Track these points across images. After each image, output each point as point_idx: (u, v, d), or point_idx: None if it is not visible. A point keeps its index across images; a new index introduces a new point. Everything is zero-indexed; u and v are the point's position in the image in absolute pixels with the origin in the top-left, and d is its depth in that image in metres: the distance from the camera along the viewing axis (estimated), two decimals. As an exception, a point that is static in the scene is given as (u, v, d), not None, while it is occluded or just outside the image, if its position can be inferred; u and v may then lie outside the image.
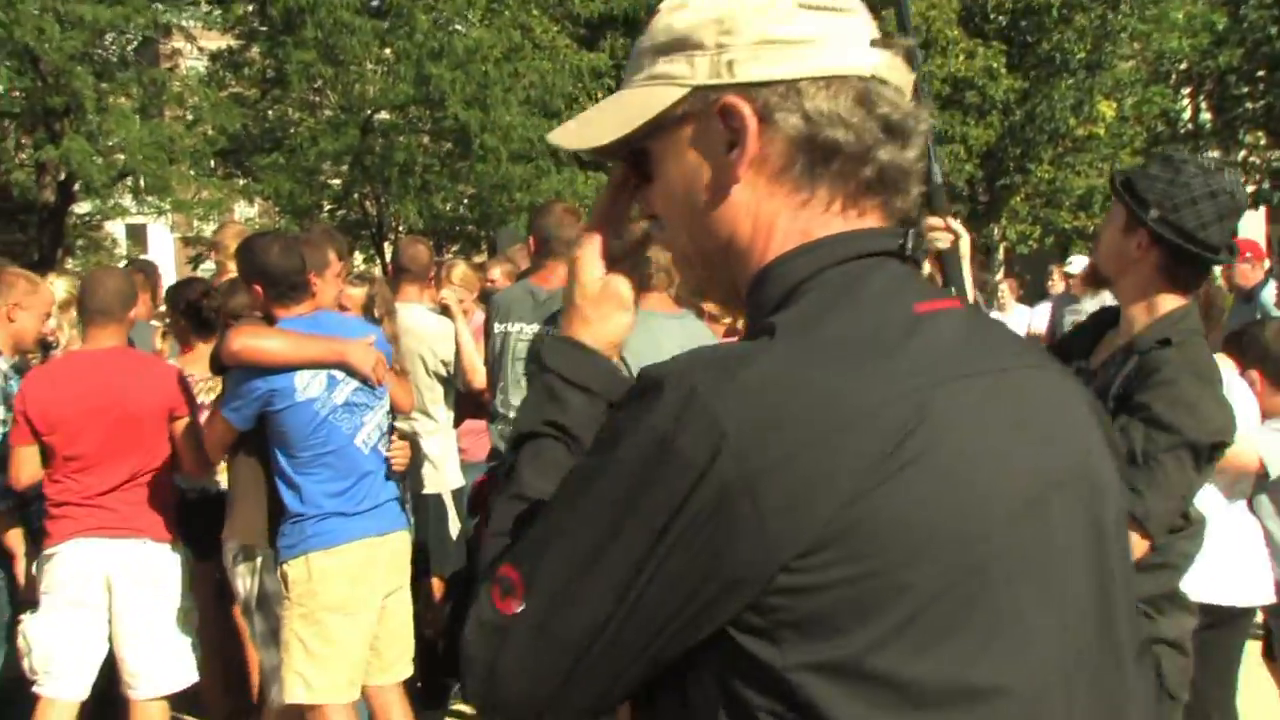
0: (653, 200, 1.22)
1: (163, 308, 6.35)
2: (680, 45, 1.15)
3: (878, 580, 0.96)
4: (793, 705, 0.97)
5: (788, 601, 0.96)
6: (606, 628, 1.01)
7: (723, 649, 0.99)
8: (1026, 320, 11.43)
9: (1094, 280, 2.80)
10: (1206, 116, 26.08)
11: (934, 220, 2.72)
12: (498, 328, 4.61)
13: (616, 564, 1.00)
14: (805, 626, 0.96)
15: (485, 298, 6.36)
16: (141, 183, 17.84)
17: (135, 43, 19.38)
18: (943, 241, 2.70)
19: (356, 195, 22.26)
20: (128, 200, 19.86)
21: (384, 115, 20.07)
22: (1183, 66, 25.47)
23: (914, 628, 0.97)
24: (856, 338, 1.03)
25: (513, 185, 18.83)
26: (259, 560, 4.09)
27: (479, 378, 5.33)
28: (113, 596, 4.22)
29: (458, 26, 19.05)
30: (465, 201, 21.11)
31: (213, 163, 19.88)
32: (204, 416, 4.21)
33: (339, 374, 3.89)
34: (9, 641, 4.37)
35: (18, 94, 16.71)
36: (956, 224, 2.74)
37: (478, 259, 23.35)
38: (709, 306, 4.80)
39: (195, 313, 5.04)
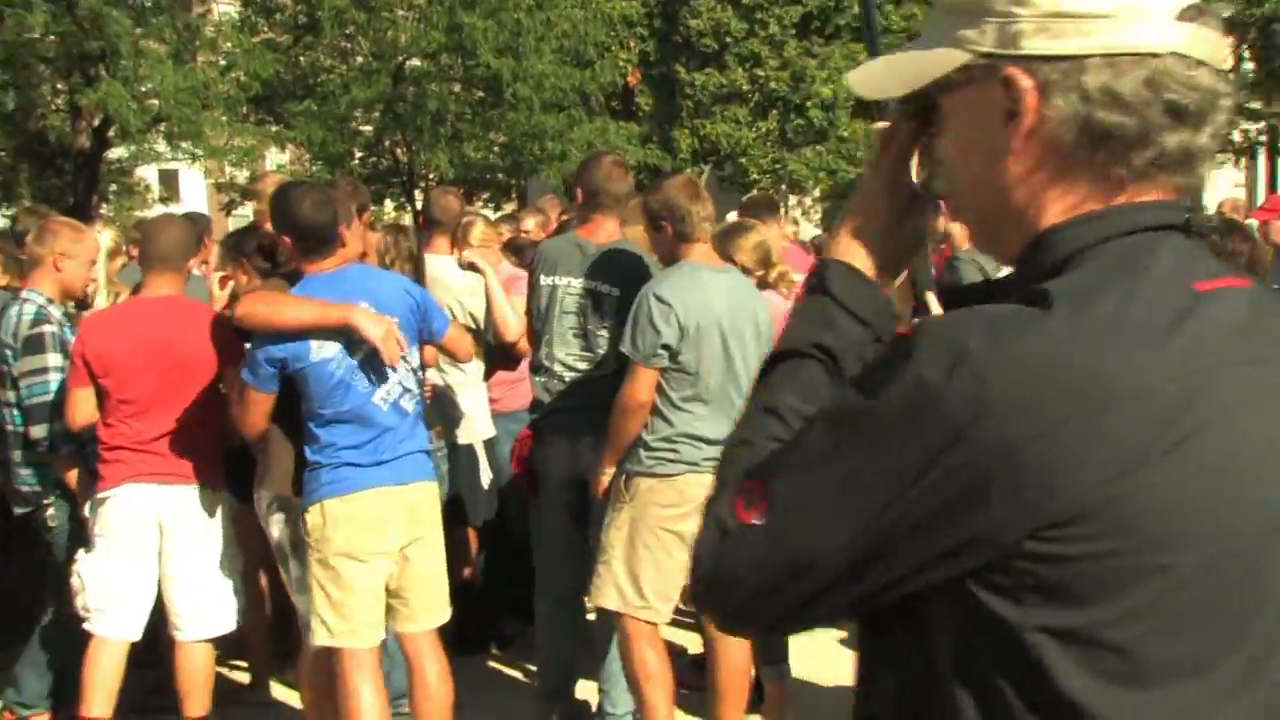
0: (941, 151, 1.24)
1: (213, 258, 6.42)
2: (972, 9, 1.14)
3: (1131, 559, 0.99)
4: (1025, 665, 1.01)
5: (1034, 567, 1.00)
6: (837, 555, 1.06)
7: (964, 601, 1.03)
8: None
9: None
10: (1249, 66, 25.69)
11: (881, 124, 2.73)
12: (544, 280, 4.58)
13: (862, 499, 1.04)
14: (1050, 592, 1.00)
15: (517, 248, 6.45)
16: (175, 128, 17.92)
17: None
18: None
19: (387, 143, 22.38)
20: (161, 146, 19.99)
21: (416, 63, 20.09)
22: (1225, 15, 25.07)
23: (1163, 608, 1.00)
24: (1133, 316, 1.03)
25: (544, 134, 18.87)
26: (291, 509, 4.17)
27: (510, 330, 5.33)
28: (163, 540, 4.34)
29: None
30: (496, 150, 21.17)
31: (245, 109, 19.97)
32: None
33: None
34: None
35: (53, 39, 16.82)
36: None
37: (508, 207, 23.47)
38: (741, 258, 4.84)
39: (270, 257, 5.04)
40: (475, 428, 5.73)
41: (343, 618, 3.90)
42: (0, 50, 16.43)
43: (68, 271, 4.70)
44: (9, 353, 4.56)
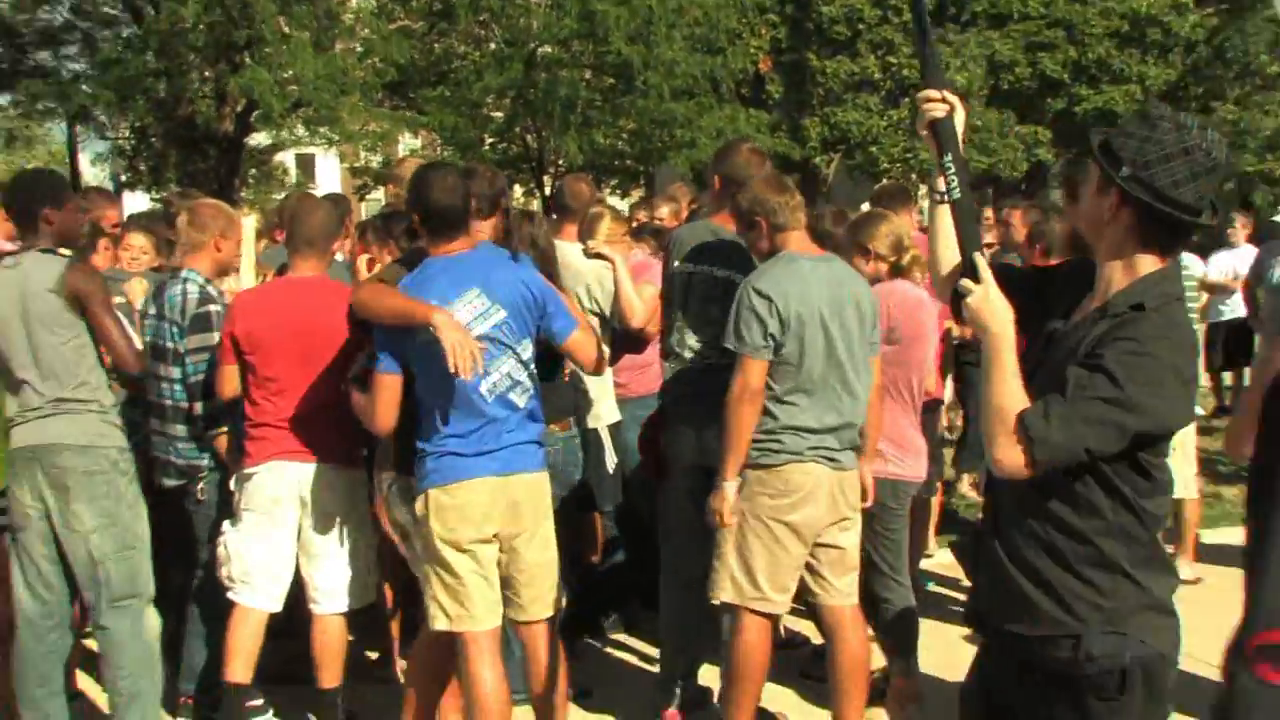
0: None
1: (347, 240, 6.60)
2: None
3: None
4: None
5: None
6: None
7: None
8: (1234, 265, 11.00)
9: (1073, 245, 2.73)
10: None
11: (929, 91, 2.69)
12: (678, 266, 4.60)
13: None
14: None
15: (655, 233, 6.48)
16: (314, 113, 18.43)
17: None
18: (938, 110, 2.67)
19: (518, 129, 22.63)
20: (300, 130, 20.57)
21: (547, 50, 20.30)
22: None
23: None
24: None
25: (674, 121, 18.92)
26: (411, 491, 4.25)
27: (636, 316, 5.35)
28: (303, 516, 4.49)
29: (623, -39, 19.13)
30: (625, 137, 21.29)
31: (381, 95, 20.42)
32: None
33: (463, 318, 3.85)
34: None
35: (203, 28, 17.42)
36: (953, 96, 2.69)
37: (635, 194, 23.59)
38: (876, 246, 4.81)
39: (415, 239, 5.17)
40: (601, 412, 5.77)
41: (457, 602, 3.94)
42: (154, 40, 17.09)
43: (225, 253, 4.92)
44: (174, 329, 4.76)
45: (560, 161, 22.68)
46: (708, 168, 5.79)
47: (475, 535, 3.89)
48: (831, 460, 4.21)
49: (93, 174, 29.27)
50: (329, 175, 40.98)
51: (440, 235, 3.98)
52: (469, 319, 3.88)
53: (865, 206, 6.24)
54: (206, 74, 19.69)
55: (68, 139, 23.83)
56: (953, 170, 2.60)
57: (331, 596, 4.54)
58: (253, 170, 25.17)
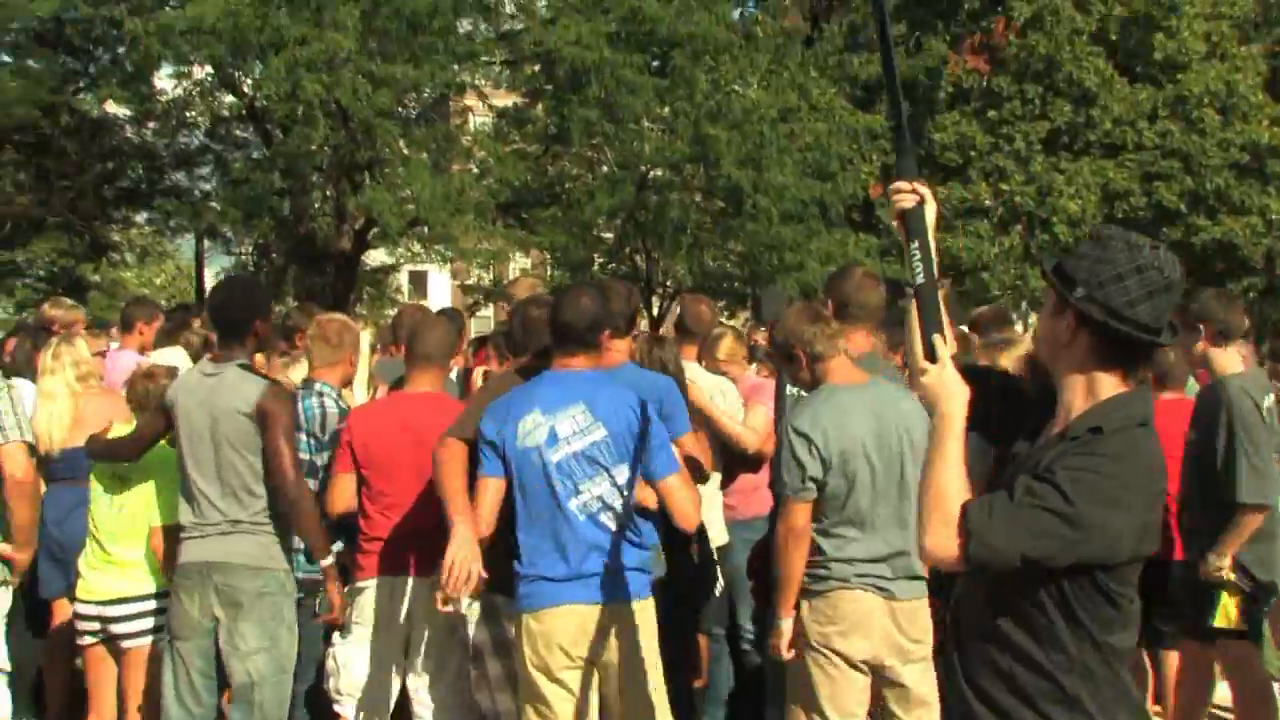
0: None
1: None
2: None
3: None
4: None
5: None
6: None
7: None
8: None
9: (1033, 370, 2.69)
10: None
11: (900, 183, 2.74)
12: (790, 389, 4.66)
13: None
14: None
15: (770, 355, 6.50)
16: (431, 231, 18.93)
17: (430, 100, 20.79)
18: (908, 201, 2.71)
19: (627, 250, 22.97)
20: (416, 248, 21.13)
21: (659, 173, 20.66)
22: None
23: None
24: None
25: (783, 245, 19.04)
26: (494, 610, 4.24)
27: (747, 444, 5.39)
28: (411, 631, 4.52)
29: (736, 88, 19.48)
30: (733, 259, 21.47)
31: (494, 215, 20.89)
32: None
33: (562, 431, 3.91)
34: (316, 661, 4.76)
35: (327, 149, 18.10)
36: (923, 188, 2.74)
37: (741, 315, 23.70)
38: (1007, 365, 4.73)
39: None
40: (709, 534, 5.73)
41: None
42: (281, 160, 17.80)
43: (354, 367, 5.11)
44: (311, 442, 4.88)
45: (668, 282, 22.91)
46: (820, 292, 5.83)
47: (564, 663, 3.86)
48: (882, 590, 4.11)
49: (216, 288, 30.50)
50: (440, 292, 41.93)
51: (563, 349, 4.05)
52: (568, 433, 3.91)
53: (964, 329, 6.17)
54: (328, 193, 20.42)
55: (196, 254, 24.77)
56: (917, 257, 2.65)
57: (436, 712, 4.51)
58: (367, 287, 25.84)
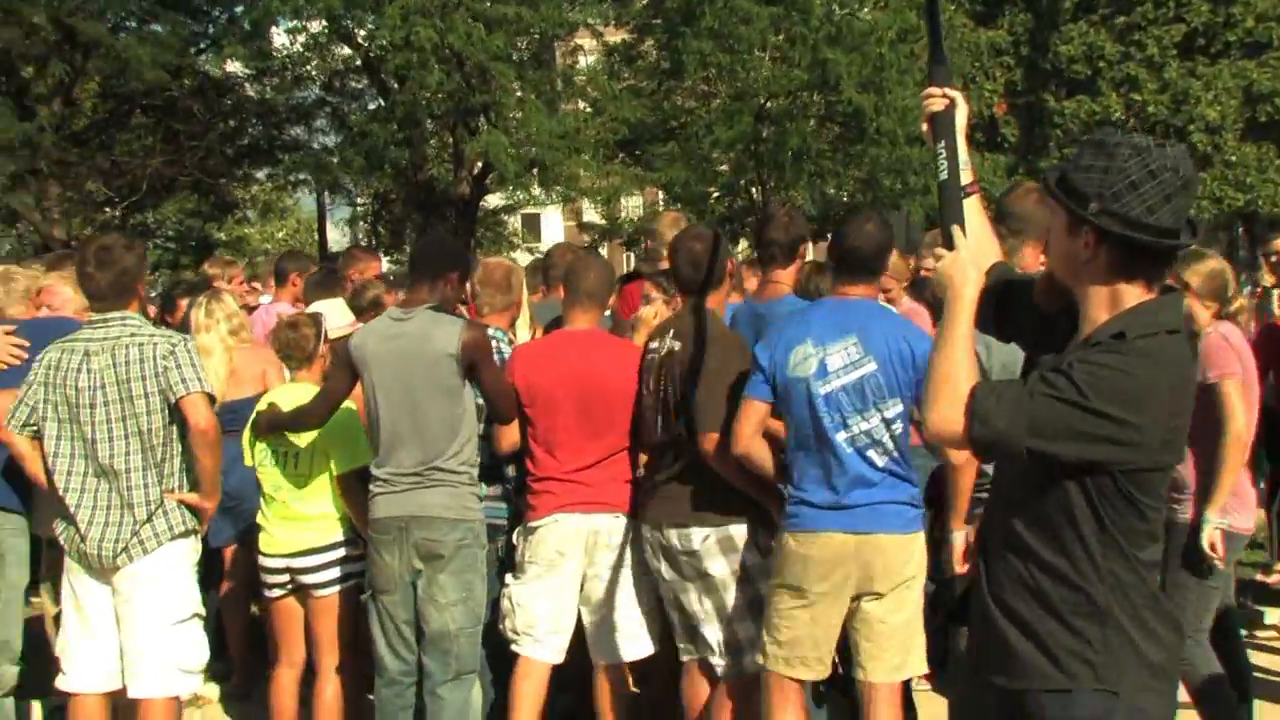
0: None
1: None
2: None
3: None
4: None
5: None
6: None
7: None
8: None
9: (1053, 292, 2.57)
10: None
11: (931, 89, 2.88)
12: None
13: None
14: None
15: (919, 283, 6.35)
16: (549, 173, 18.95)
17: (542, 40, 20.73)
18: (937, 105, 2.86)
19: (743, 182, 22.75)
20: (535, 190, 21.21)
21: (776, 102, 20.35)
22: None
23: None
24: None
25: (908, 168, 18.66)
26: (732, 545, 4.25)
27: None
28: (587, 567, 4.54)
29: (853, 10, 19.06)
30: (854, 186, 21.14)
31: (610, 152, 20.81)
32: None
33: (833, 364, 3.93)
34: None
35: (441, 95, 18.17)
36: (954, 92, 2.88)
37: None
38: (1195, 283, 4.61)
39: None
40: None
41: (779, 644, 3.98)
42: (400, 110, 17.92)
43: (519, 309, 5.24)
44: None
45: (787, 213, 22.66)
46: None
47: (821, 589, 3.91)
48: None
49: (336, 239, 30.98)
50: (553, 233, 42.12)
51: (844, 277, 4.09)
52: (838, 366, 3.94)
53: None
54: (445, 140, 20.54)
55: (318, 206, 25.20)
56: (943, 156, 2.80)
57: (613, 648, 4.54)
58: (484, 230, 26.06)
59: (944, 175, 2.80)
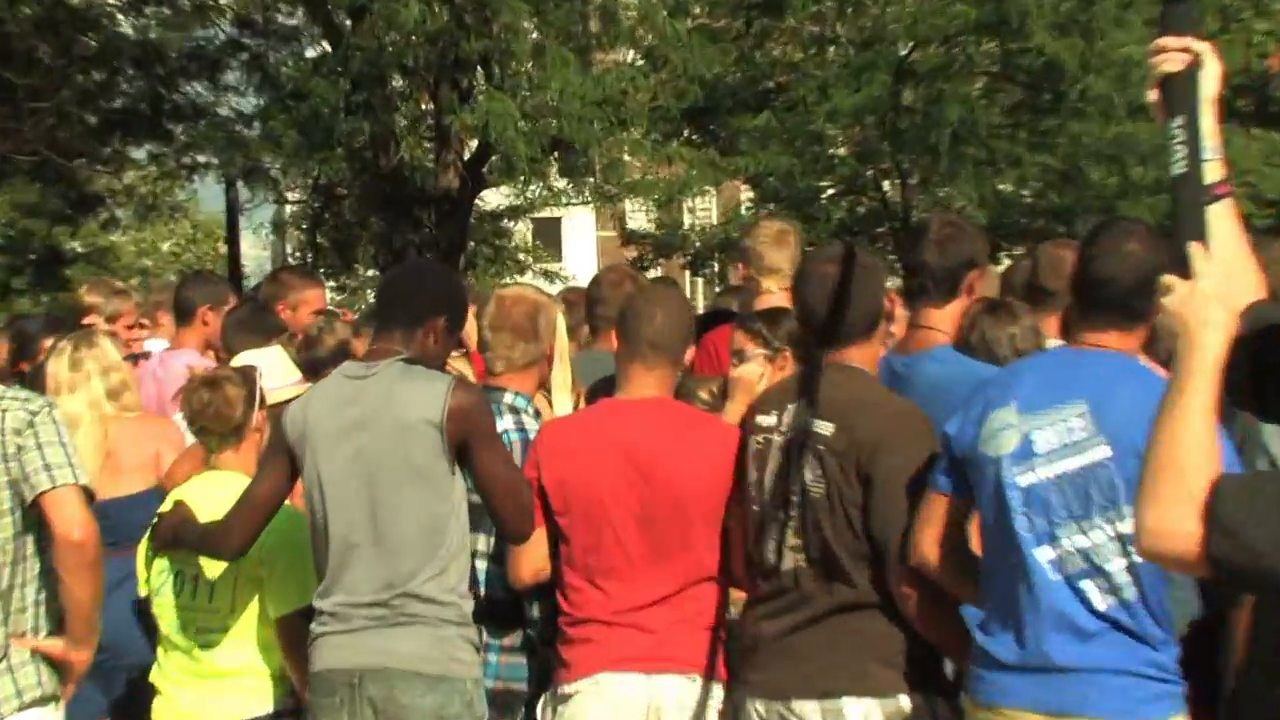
0: None
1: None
2: None
3: None
4: None
5: None
6: None
7: None
8: None
9: None
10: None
11: (1165, 39, 2.97)
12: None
13: None
14: None
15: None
16: (583, 157, 18.96)
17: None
18: (1172, 63, 2.95)
19: (872, 172, 22.84)
20: (556, 182, 21.27)
21: (927, 51, 20.50)
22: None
23: None
24: None
25: (1133, 149, 18.79)
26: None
27: None
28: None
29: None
30: (1047, 181, 21.22)
31: (668, 127, 20.85)
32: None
33: (1043, 442, 3.94)
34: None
35: (420, 40, 18.16)
36: (1199, 44, 2.95)
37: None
38: None
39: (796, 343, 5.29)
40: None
41: None
42: (356, 59, 17.93)
43: (551, 364, 5.29)
44: None
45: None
46: None
47: None
48: None
49: (255, 255, 31.35)
50: (579, 246, 42.40)
51: (1089, 319, 4.13)
52: (1051, 446, 3.95)
53: None
54: (424, 105, 20.64)
55: (227, 204, 25.40)
56: (1179, 139, 2.88)
57: None
58: (481, 244, 26.28)
59: (1179, 168, 2.87)
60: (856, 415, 4.33)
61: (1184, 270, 2.70)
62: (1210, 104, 2.96)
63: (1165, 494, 2.44)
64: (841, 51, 21.26)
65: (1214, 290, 2.63)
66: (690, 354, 5.76)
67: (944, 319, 4.94)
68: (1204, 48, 2.97)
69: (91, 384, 5.92)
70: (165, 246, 43.75)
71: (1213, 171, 2.91)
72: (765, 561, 4.47)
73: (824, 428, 4.37)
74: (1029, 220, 22.59)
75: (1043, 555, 3.91)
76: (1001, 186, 21.16)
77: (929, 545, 4.11)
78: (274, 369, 5.67)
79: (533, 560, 4.69)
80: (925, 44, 20.25)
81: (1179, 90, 2.95)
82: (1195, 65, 2.96)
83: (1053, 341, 5.73)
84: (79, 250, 32.12)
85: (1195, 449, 2.46)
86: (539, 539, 4.65)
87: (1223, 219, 2.94)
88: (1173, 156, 2.87)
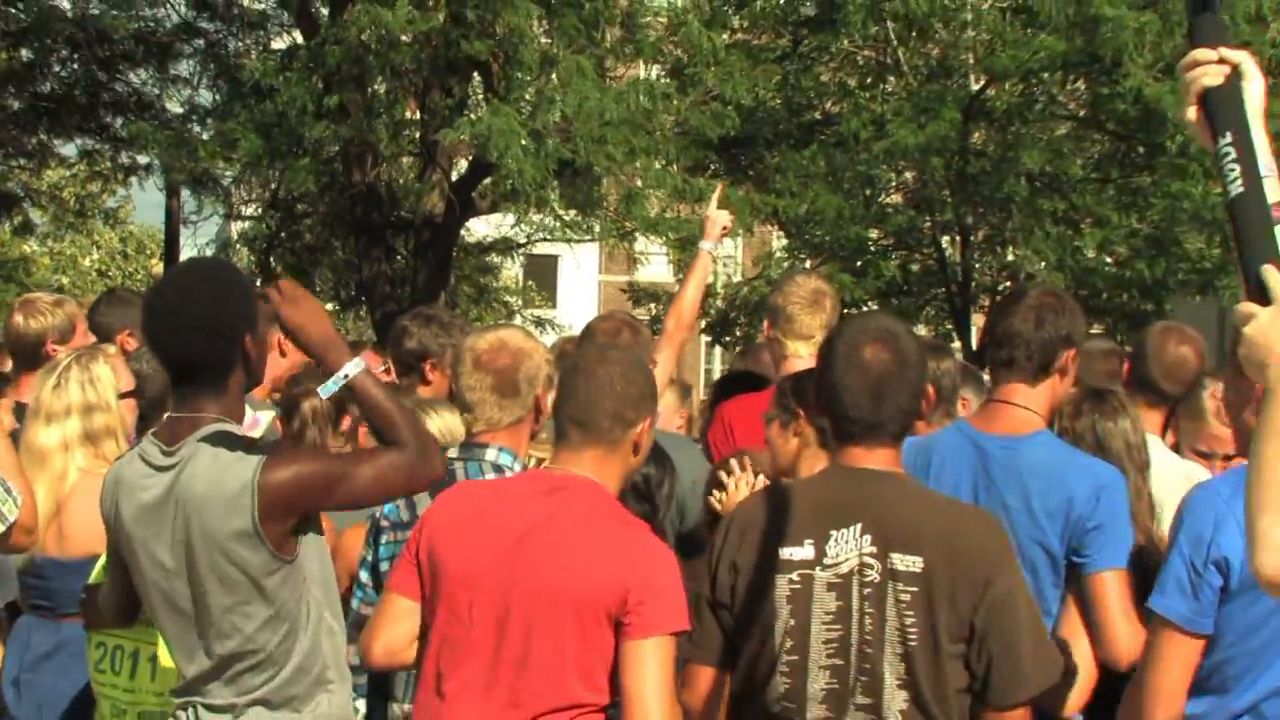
0: None
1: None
2: None
3: None
4: None
5: None
6: None
7: None
8: None
9: None
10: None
11: (1199, 52, 3.15)
12: None
13: None
14: None
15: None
16: (593, 186, 19.03)
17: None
18: (1211, 76, 3.14)
19: (929, 223, 22.86)
20: (563, 211, 21.23)
21: (1003, 89, 20.61)
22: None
23: None
24: None
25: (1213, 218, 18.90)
26: None
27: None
28: None
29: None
30: (1137, 246, 21.29)
31: (694, 156, 20.93)
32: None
33: None
34: None
35: (408, 38, 18.22)
36: (1238, 54, 3.15)
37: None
38: None
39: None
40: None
41: None
42: (332, 54, 17.96)
43: (545, 414, 5.32)
44: None
45: (1003, 286, 22.76)
46: None
47: None
48: None
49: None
50: (578, 288, 42.55)
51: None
52: None
53: None
54: (409, 115, 20.68)
55: (167, 213, 25.38)
56: (1231, 156, 3.07)
57: None
58: (465, 286, 26.33)
59: (1236, 188, 3.04)
60: (946, 545, 4.31)
61: (1260, 295, 2.90)
62: (1260, 117, 3.12)
63: (1272, 531, 2.72)
64: (903, 82, 21.35)
65: None
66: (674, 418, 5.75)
67: (1036, 399, 5.02)
68: (1243, 57, 3.15)
69: (69, 421, 5.96)
70: (89, 260, 43.77)
71: (1273, 189, 3.02)
72: None
73: (908, 562, 4.33)
74: (1111, 293, 22.62)
75: None
76: (1082, 251, 21.17)
77: (1178, 699, 4.25)
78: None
79: (388, 637, 4.64)
80: (1002, 79, 20.30)
81: (1223, 106, 3.11)
82: (1237, 77, 3.14)
83: (1154, 438, 5.82)
84: (-11, 260, 32.22)
85: None
86: (403, 612, 4.63)
87: None
88: (1227, 177, 3.03)
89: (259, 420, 5.67)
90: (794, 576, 4.37)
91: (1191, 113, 3.17)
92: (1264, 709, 4.17)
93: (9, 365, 7.20)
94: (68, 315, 7.40)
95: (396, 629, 4.61)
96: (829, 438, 4.53)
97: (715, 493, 5.69)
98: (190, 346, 4.45)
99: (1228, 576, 4.16)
